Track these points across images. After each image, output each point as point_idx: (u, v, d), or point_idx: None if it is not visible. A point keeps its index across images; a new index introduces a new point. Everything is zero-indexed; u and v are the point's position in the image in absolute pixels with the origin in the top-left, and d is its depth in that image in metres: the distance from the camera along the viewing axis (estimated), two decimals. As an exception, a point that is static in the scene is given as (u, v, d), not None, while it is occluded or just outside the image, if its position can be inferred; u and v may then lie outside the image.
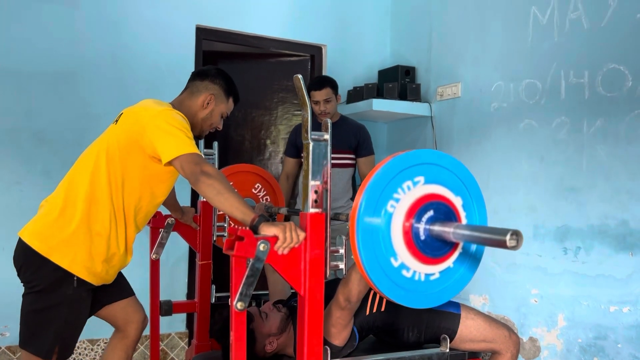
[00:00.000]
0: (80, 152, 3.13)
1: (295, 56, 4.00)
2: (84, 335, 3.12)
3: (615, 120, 2.55)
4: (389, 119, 3.92)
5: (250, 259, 1.37)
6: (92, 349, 3.19)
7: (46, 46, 3.10)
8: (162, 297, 2.56)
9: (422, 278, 1.36)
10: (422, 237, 1.32)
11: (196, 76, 2.06)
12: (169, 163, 1.73)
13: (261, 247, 1.37)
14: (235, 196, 1.58)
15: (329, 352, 1.53)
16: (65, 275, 1.79)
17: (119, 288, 2.10)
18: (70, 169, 1.96)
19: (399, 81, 3.71)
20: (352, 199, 3.30)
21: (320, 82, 3.26)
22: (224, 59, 3.96)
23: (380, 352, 1.88)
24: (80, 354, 3.16)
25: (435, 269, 1.37)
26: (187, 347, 3.38)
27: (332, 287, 1.73)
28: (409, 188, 1.32)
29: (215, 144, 2.71)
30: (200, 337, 2.57)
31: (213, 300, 2.66)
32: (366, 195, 1.29)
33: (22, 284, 1.88)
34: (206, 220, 2.60)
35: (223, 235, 2.67)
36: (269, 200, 2.95)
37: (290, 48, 3.90)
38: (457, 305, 1.99)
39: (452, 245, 1.38)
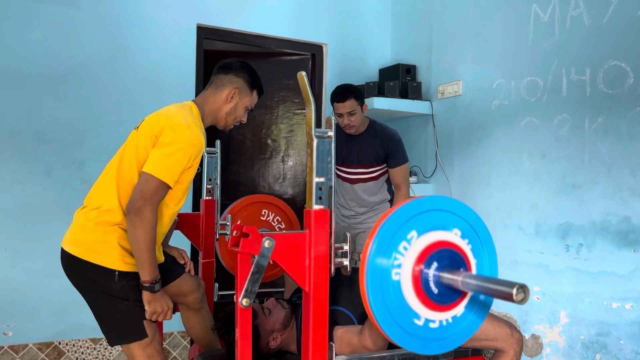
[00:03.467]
0: (82, 152, 3.17)
1: (296, 55, 4.00)
2: (87, 334, 3.15)
3: (617, 117, 2.56)
4: (390, 117, 3.92)
5: (256, 256, 1.37)
6: (94, 348, 3.19)
7: (47, 46, 3.10)
8: (165, 295, 2.56)
9: (450, 321, 1.34)
10: (435, 290, 1.29)
11: (220, 70, 2.06)
12: (142, 172, 1.78)
13: (266, 243, 1.37)
14: (147, 254, 1.75)
15: (334, 348, 1.53)
16: (106, 272, 1.81)
17: (169, 271, 2.14)
18: (99, 175, 1.98)
19: (400, 79, 3.71)
20: (389, 201, 3.28)
21: (344, 93, 2.97)
22: (225, 58, 3.90)
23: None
24: (82, 352, 3.17)
25: (446, 316, 1.35)
26: (189, 346, 3.39)
27: (335, 281, 1.74)
28: (405, 248, 1.29)
29: (218, 142, 2.72)
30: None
31: (216, 298, 2.67)
32: (368, 278, 1.25)
33: (78, 291, 1.91)
34: (209, 218, 2.60)
35: (225, 234, 2.68)
36: (280, 221, 2.95)
37: (291, 47, 3.91)
38: None
39: (462, 292, 1.36)
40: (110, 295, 1.83)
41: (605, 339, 2.58)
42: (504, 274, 3.11)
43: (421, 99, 3.72)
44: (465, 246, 1.37)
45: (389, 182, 3.26)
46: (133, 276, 1.85)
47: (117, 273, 1.81)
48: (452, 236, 1.35)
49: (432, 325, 1.31)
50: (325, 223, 1.44)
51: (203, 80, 3.59)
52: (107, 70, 3.25)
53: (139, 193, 1.75)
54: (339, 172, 3.24)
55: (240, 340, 1.43)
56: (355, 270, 1.79)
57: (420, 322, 1.30)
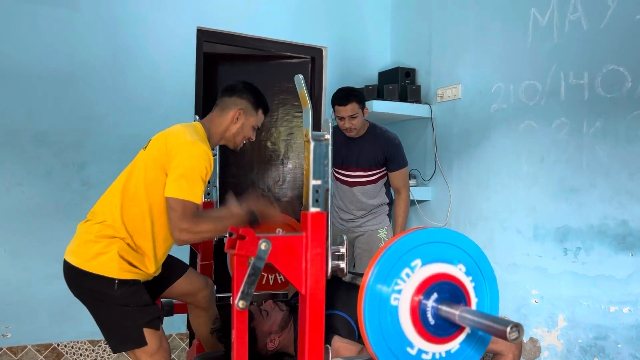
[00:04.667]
0: (82, 153, 3.17)
1: (296, 58, 4.01)
2: (85, 336, 3.16)
3: (615, 121, 2.56)
4: (389, 120, 3.93)
5: (252, 258, 1.38)
6: (93, 350, 3.20)
7: (47, 48, 3.11)
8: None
9: (443, 355, 1.34)
10: (432, 321, 1.30)
11: (224, 92, 2.12)
12: (166, 198, 1.84)
13: (262, 246, 1.37)
14: (219, 218, 1.87)
15: (329, 350, 1.53)
16: (106, 281, 1.86)
17: (171, 270, 2.19)
18: (103, 193, 2.04)
19: (399, 83, 3.72)
20: (388, 204, 3.28)
21: (346, 96, 2.95)
22: (224, 61, 3.97)
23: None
24: (81, 354, 3.17)
25: (440, 349, 1.35)
26: (187, 348, 3.39)
27: (333, 286, 1.74)
28: (408, 275, 1.29)
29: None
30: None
31: (214, 300, 2.67)
32: (367, 300, 1.26)
33: (81, 302, 1.97)
34: (207, 221, 2.60)
35: (223, 236, 2.68)
36: None
37: (291, 50, 3.92)
38: None
39: (459, 327, 1.36)
40: (111, 304, 1.87)
41: (603, 342, 2.58)
42: (502, 277, 3.12)
43: (420, 102, 3.73)
44: (468, 283, 1.36)
45: (387, 185, 3.26)
46: (132, 283, 1.89)
47: (116, 281, 1.85)
48: (457, 271, 1.34)
49: (424, 356, 1.30)
50: (322, 225, 1.44)
51: (203, 83, 3.60)
52: (107, 73, 3.25)
53: (172, 224, 1.82)
54: (337, 175, 3.24)
55: (236, 342, 1.43)
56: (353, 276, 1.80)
57: (413, 352, 1.30)
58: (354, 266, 3.28)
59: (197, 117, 2.96)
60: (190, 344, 3.38)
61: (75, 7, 3.18)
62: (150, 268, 1.94)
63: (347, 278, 1.97)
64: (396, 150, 3.13)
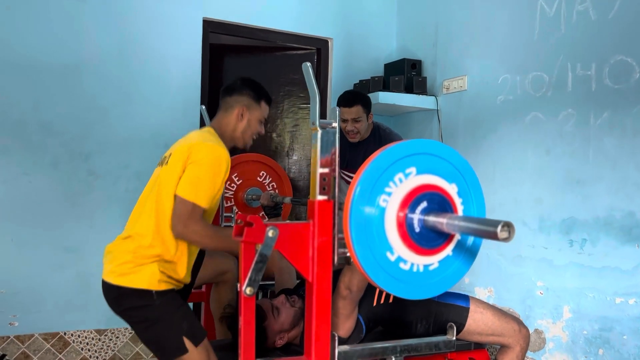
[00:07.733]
0: (88, 144, 3.18)
1: (302, 49, 4.00)
2: (92, 325, 3.18)
3: (622, 112, 2.55)
4: (395, 112, 3.93)
5: (259, 245, 1.38)
6: (99, 339, 3.22)
7: (53, 39, 3.12)
8: (170, 287, 2.58)
9: (420, 269, 1.34)
10: (417, 229, 1.29)
11: (225, 93, 2.13)
12: (176, 195, 1.85)
13: (270, 233, 1.37)
14: (223, 243, 1.89)
15: (336, 337, 1.54)
16: (145, 294, 1.86)
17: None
18: (132, 211, 2.04)
19: (405, 74, 3.71)
20: None
21: (351, 98, 2.93)
22: (230, 52, 3.97)
23: (388, 339, 1.88)
24: (87, 344, 3.19)
25: (431, 260, 1.35)
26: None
27: (338, 275, 1.74)
28: (400, 180, 1.29)
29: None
30: (207, 327, 2.58)
31: (220, 290, 2.68)
32: (357, 193, 1.26)
33: (124, 320, 1.96)
34: (213, 210, 2.61)
35: (230, 226, 2.68)
36: (275, 188, 2.95)
37: (296, 41, 3.91)
38: (466, 299, 1.99)
39: (448, 236, 1.36)
40: (152, 315, 1.87)
41: (608, 334, 2.58)
42: (507, 269, 3.12)
43: (426, 94, 3.72)
44: (459, 205, 1.37)
45: None
46: (169, 292, 1.90)
47: (154, 292, 1.86)
48: (450, 188, 1.35)
49: (402, 265, 1.32)
50: (329, 213, 1.44)
51: (209, 74, 3.60)
52: (113, 64, 3.26)
53: (176, 219, 1.83)
54: (343, 175, 3.25)
55: (243, 329, 1.43)
56: None
57: (392, 258, 1.31)
58: None
59: (203, 107, 2.98)
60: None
61: (81, -3, 3.18)
62: (181, 275, 1.96)
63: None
64: None
